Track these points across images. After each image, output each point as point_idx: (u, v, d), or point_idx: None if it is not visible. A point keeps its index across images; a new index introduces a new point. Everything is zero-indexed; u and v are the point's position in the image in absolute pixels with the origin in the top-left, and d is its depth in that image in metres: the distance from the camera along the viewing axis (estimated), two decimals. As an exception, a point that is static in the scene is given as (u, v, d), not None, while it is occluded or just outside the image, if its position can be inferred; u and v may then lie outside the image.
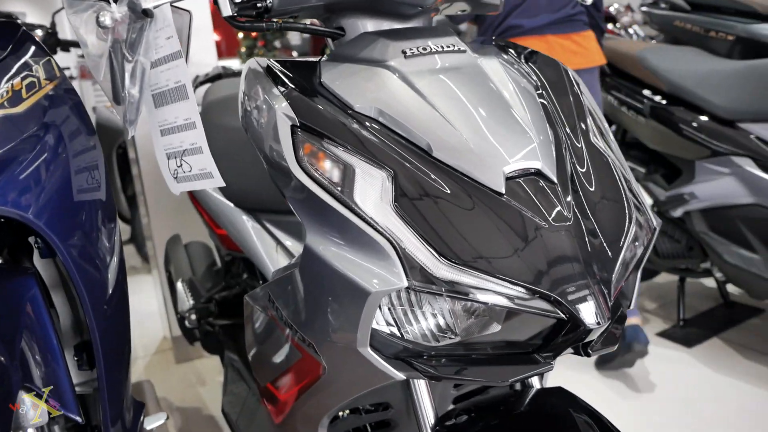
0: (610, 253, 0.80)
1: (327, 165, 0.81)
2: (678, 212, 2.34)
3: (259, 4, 0.94)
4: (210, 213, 1.64)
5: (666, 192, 2.38)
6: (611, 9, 6.30)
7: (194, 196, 1.75)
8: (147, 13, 0.88)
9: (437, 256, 0.74)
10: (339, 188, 0.79)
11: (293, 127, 0.84)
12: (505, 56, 1.02)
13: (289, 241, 1.43)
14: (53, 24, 3.01)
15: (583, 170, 0.86)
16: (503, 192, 0.78)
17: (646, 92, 2.46)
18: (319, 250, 0.81)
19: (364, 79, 0.89)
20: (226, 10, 0.91)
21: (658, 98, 2.42)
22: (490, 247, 0.74)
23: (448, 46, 0.94)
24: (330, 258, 0.79)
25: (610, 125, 2.85)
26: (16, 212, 0.70)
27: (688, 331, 2.50)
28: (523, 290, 0.74)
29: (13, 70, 0.78)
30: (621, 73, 2.62)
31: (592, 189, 0.85)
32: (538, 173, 0.81)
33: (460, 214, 0.76)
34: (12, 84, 0.75)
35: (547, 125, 0.88)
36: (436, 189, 0.78)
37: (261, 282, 1.54)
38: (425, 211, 0.76)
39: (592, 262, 0.77)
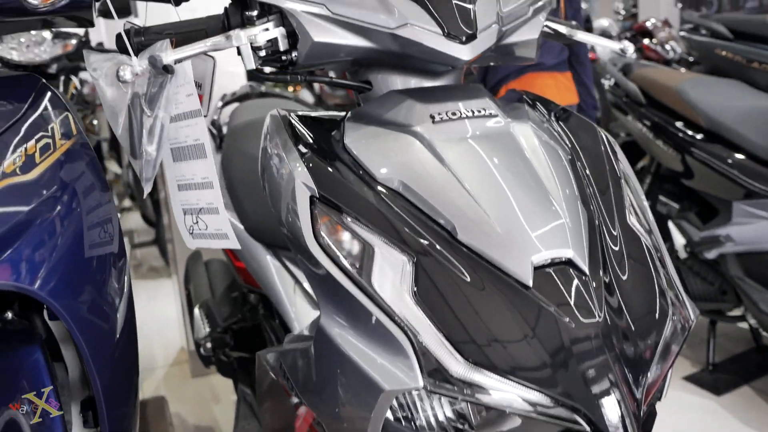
0: (643, 356, 0.75)
1: (345, 242, 0.77)
2: (712, 254, 2.25)
3: (284, 57, 0.91)
4: (229, 244, 1.62)
5: (700, 232, 2.30)
6: (648, 24, 6.18)
7: (215, 224, 1.73)
8: (167, 69, 0.85)
9: (456, 353, 0.69)
10: (356, 269, 0.75)
11: (312, 198, 0.80)
12: (537, 115, 0.97)
13: (307, 283, 1.40)
14: (86, 32, 3.02)
15: (617, 257, 0.81)
16: (530, 285, 0.73)
17: (684, 126, 2.38)
18: (333, 333, 0.77)
19: (388, 145, 0.85)
20: (250, 64, 0.88)
21: (695, 133, 2.34)
22: (514, 348, 0.70)
23: (479, 111, 0.89)
24: (344, 345, 0.75)
25: (643, 156, 2.77)
26: (20, 286, 0.68)
27: (717, 377, 2.41)
28: (546, 398, 0.69)
29: (29, 131, 0.75)
30: (657, 104, 2.54)
31: (626, 278, 0.79)
32: (569, 262, 0.76)
33: (484, 308, 0.72)
34: (26, 148, 0.73)
35: (580, 203, 0.83)
36: (458, 278, 0.73)
37: (277, 320, 1.51)
38: (446, 302, 0.72)
39: (623, 367, 0.71)
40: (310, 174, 0.81)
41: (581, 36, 1.13)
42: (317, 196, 0.80)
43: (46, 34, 2.77)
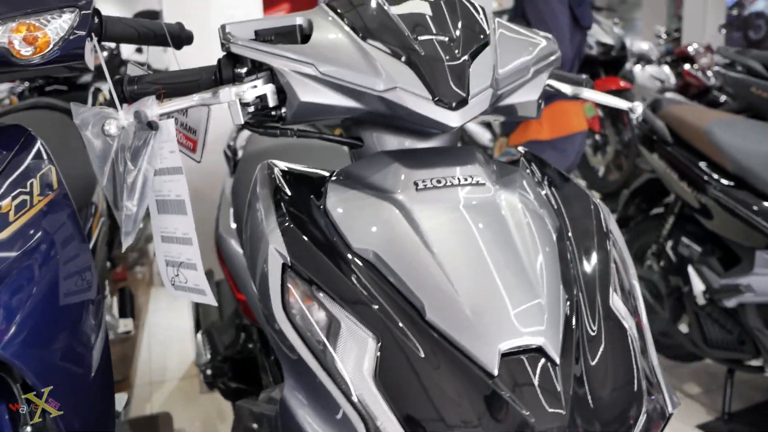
0: None
1: (313, 315, 0.76)
2: (732, 303, 2.18)
3: (273, 113, 0.91)
4: (232, 275, 1.62)
5: (721, 279, 2.23)
6: (690, 49, 6.05)
7: (220, 252, 1.74)
8: (152, 126, 0.85)
9: None
10: (321, 345, 0.74)
11: (284, 265, 0.79)
12: (529, 182, 0.95)
13: None
14: (118, 45, 3.08)
15: (594, 345, 0.78)
16: (495, 374, 0.71)
17: (710, 169, 2.31)
18: (293, 406, 0.76)
19: (367, 213, 0.83)
20: (238, 119, 0.88)
21: (721, 177, 2.27)
22: None
23: (466, 178, 0.87)
24: (303, 422, 0.74)
25: (668, 195, 2.70)
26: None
27: (732, 427, 2.33)
28: None
29: (7, 189, 0.76)
30: (684, 144, 2.47)
31: (600, 369, 0.76)
32: (540, 350, 0.74)
33: (443, 396, 0.70)
34: (0, 207, 0.74)
35: (561, 285, 0.81)
36: (421, 363, 0.71)
37: (273, 357, 1.51)
38: (406, 387, 0.70)
39: None
40: (284, 241, 0.80)
41: (587, 94, 1.10)
42: (289, 264, 0.79)
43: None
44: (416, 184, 0.85)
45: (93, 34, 0.97)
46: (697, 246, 2.44)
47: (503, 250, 0.80)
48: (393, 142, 0.94)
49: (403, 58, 0.88)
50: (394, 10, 0.94)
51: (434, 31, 0.92)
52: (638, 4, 12.66)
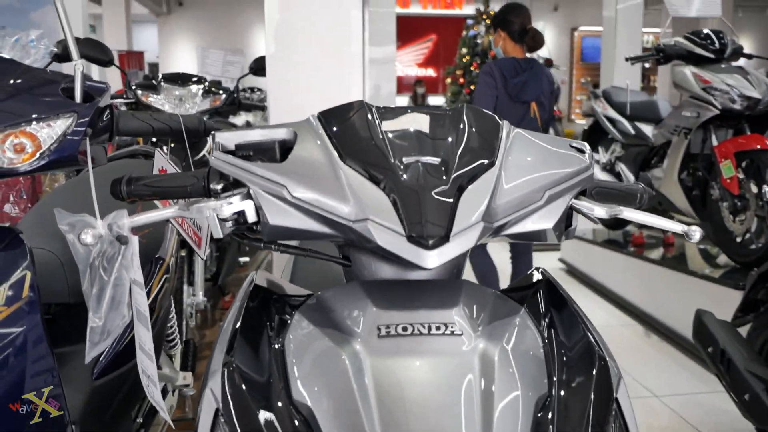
0: None
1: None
2: None
3: (255, 228, 0.87)
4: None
5: None
6: None
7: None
8: (121, 240, 0.84)
9: None
10: None
11: (216, 410, 0.74)
12: (524, 328, 0.81)
13: None
14: (237, 86, 3.22)
15: None
16: None
17: None
18: None
19: (319, 362, 0.76)
20: (217, 233, 0.85)
21: None
22: None
23: (439, 327, 0.76)
24: None
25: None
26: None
27: None
28: None
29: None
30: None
31: None
32: None
33: None
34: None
35: None
36: None
37: None
38: None
39: None
40: (221, 384, 0.75)
41: (628, 214, 0.94)
42: (220, 410, 0.73)
43: (195, 89, 3.00)
44: (379, 329, 0.76)
45: (109, 131, 0.98)
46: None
47: (454, 424, 0.69)
48: (378, 268, 0.86)
49: (382, 185, 0.80)
50: (387, 126, 0.87)
51: (424, 152, 0.83)
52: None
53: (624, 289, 4.18)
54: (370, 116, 0.88)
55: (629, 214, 0.93)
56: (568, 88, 12.88)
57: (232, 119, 5.01)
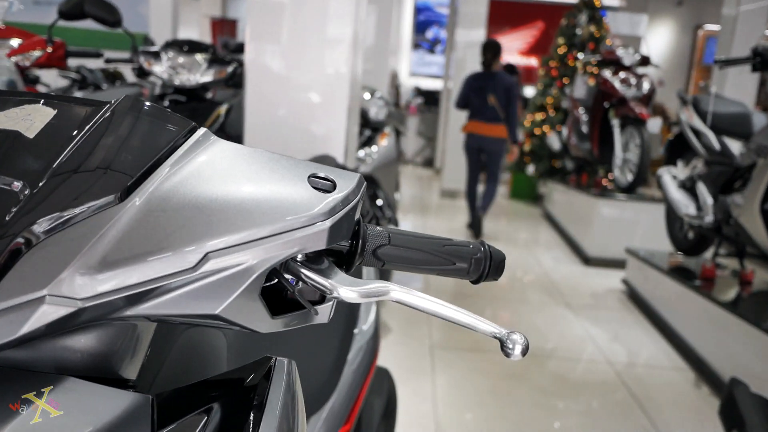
0: None
1: None
2: None
3: None
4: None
5: None
6: None
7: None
8: None
9: None
10: None
11: None
12: None
13: None
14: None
15: None
16: None
17: None
18: None
19: None
20: None
21: None
22: None
23: None
24: None
25: None
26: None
27: None
28: None
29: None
30: None
31: None
32: None
33: None
34: None
35: None
36: None
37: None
38: None
39: None
40: None
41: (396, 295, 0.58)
42: None
43: (200, 58, 2.78)
44: None
45: None
46: None
47: None
48: None
49: None
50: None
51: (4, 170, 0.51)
52: None
53: (683, 326, 3.62)
54: None
55: (398, 294, 0.56)
56: (684, 92, 11.83)
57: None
